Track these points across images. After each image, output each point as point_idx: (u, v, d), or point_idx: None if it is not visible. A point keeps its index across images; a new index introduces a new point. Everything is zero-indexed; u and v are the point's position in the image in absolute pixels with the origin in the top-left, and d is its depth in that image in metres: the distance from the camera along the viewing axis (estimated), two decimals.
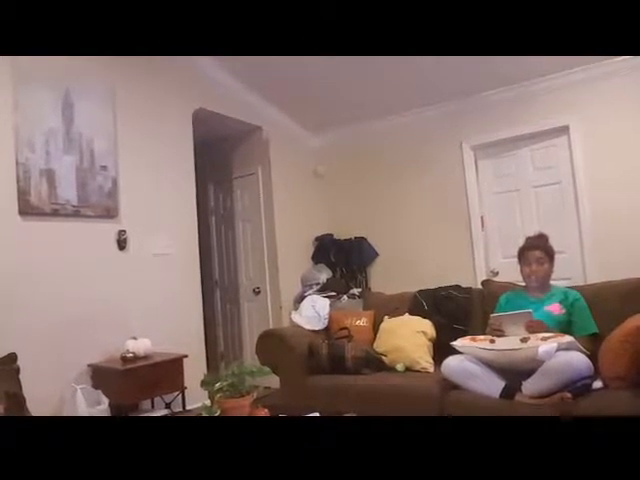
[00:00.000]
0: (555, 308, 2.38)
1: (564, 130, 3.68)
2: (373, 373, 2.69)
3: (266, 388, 3.26)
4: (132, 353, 2.84)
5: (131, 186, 3.20)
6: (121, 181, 3.14)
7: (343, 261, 4.54)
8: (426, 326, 2.85)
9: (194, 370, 2.95)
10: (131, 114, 3.26)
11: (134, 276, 3.17)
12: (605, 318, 2.27)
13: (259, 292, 4.44)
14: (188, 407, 2.99)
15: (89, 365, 2.85)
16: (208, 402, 1.75)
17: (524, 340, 2.13)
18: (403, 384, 2.51)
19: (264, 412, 1.78)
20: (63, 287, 2.79)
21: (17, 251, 2.62)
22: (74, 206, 2.88)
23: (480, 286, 3.09)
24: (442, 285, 3.13)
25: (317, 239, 4.71)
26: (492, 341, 2.24)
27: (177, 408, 3.01)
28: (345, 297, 4.09)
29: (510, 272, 3.09)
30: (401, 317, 2.98)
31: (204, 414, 1.68)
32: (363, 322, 3.12)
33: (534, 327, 2.22)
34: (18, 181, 2.64)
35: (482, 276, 3.83)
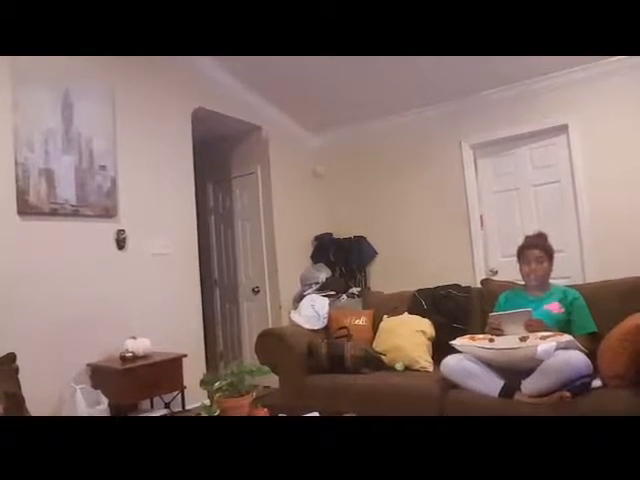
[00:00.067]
0: (554, 307, 2.38)
1: (563, 129, 3.68)
2: (372, 372, 2.69)
3: (265, 387, 3.27)
4: (131, 353, 2.84)
5: (130, 186, 3.20)
6: (120, 181, 3.14)
7: (342, 260, 4.53)
8: (425, 325, 2.85)
9: (193, 370, 2.95)
10: (130, 114, 3.26)
11: (133, 276, 3.17)
12: (604, 317, 2.27)
13: (258, 291, 4.44)
14: (187, 407, 3.00)
15: (88, 365, 2.85)
16: (207, 402, 1.75)
17: (523, 339, 2.13)
18: (402, 383, 2.51)
19: (263, 412, 1.78)
20: (62, 287, 2.79)
21: (16, 251, 2.62)
22: (73, 206, 2.88)
23: (479, 285, 3.09)
24: (441, 284, 3.13)
25: (316, 238, 4.71)
26: (491, 340, 2.25)
27: (176, 408, 3.01)
28: (344, 296, 4.08)
29: (509, 271, 3.09)
30: (400, 316, 2.97)
31: (203, 414, 1.67)
32: (362, 321, 3.12)
33: (533, 326, 2.23)
34: (17, 181, 2.64)
35: (481, 275, 3.83)
